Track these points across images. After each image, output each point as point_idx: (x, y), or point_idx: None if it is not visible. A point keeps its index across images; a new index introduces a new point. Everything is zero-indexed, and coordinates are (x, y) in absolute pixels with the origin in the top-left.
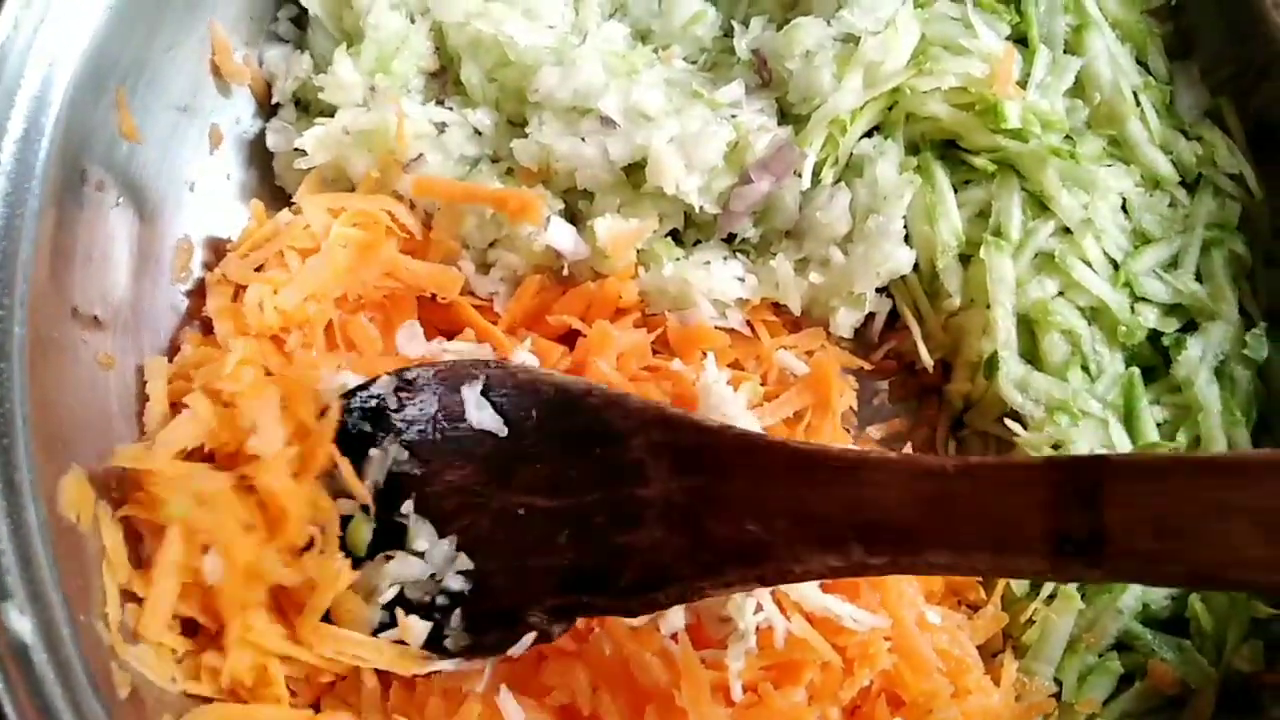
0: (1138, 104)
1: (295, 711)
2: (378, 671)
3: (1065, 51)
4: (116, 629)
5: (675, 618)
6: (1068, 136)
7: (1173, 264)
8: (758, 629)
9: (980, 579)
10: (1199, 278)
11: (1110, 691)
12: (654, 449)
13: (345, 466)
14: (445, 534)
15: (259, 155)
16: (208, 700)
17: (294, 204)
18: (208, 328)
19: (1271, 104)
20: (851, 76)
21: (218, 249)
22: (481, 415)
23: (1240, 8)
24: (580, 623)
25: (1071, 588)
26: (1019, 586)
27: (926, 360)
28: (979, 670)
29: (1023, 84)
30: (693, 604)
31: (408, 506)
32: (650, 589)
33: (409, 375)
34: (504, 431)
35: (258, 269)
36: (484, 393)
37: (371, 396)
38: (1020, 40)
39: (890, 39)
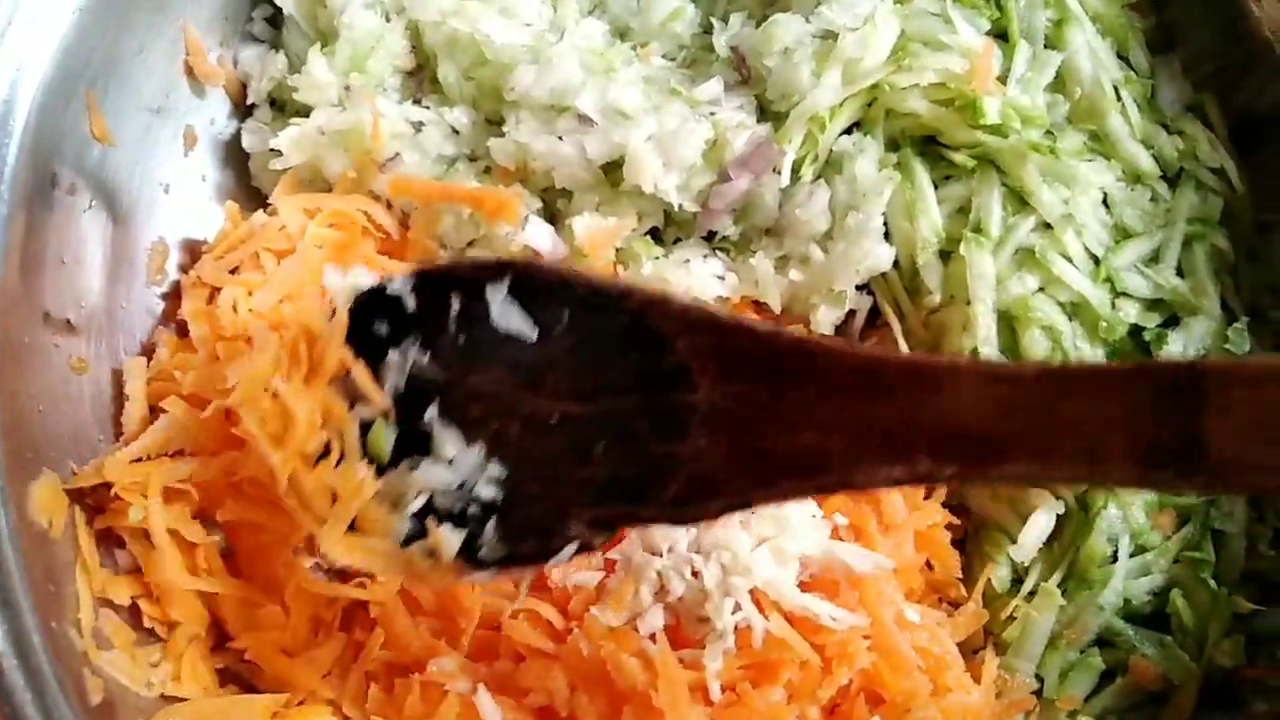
0: (1119, 99)
1: (271, 705)
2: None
3: (1045, 46)
4: (90, 635)
5: (653, 618)
6: (1048, 132)
7: (1154, 259)
8: (736, 628)
9: (960, 576)
10: (1180, 273)
11: (1092, 688)
12: (701, 353)
13: (359, 370)
14: (473, 441)
15: (235, 156)
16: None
17: (269, 205)
18: (184, 330)
19: (1254, 98)
20: (830, 73)
21: (194, 251)
22: (508, 317)
23: (1222, 2)
24: (558, 622)
25: (1051, 584)
26: (999, 583)
27: None
28: (959, 668)
29: (1003, 79)
30: (671, 604)
31: (431, 413)
32: (698, 501)
33: (429, 273)
34: (533, 335)
35: (233, 271)
36: (511, 292)
37: (388, 296)
38: (1000, 35)
39: (869, 35)
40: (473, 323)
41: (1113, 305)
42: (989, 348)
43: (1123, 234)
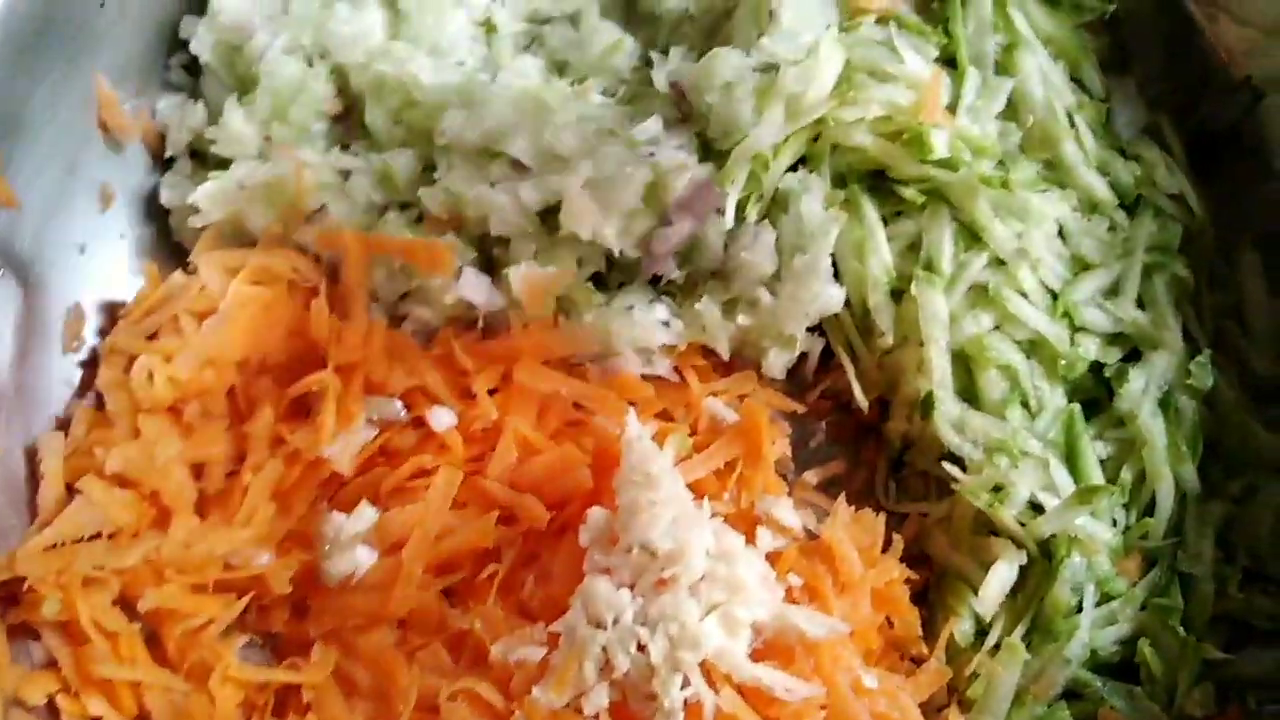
0: (1072, 125)
1: None
2: None
3: (996, 72)
4: None
5: (598, 697)
6: (1000, 163)
7: (1113, 291)
8: (685, 704)
9: (920, 631)
10: (1140, 304)
11: None
12: None
13: None
14: None
15: (155, 211)
16: None
17: (189, 263)
18: (102, 402)
19: (1210, 118)
20: (772, 110)
21: (114, 314)
22: None
23: (1176, 20)
24: (498, 703)
25: (1015, 637)
26: (962, 636)
27: (861, 400)
28: None
29: (952, 108)
30: (617, 680)
31: None
32: None
33: None
34: None
35: (152, 336)
36: None
37: None
38: (949, 62)
39: (811, 68)
40: None
41: (1072, 341)
42: (944, 390)
43: (1080, 265)
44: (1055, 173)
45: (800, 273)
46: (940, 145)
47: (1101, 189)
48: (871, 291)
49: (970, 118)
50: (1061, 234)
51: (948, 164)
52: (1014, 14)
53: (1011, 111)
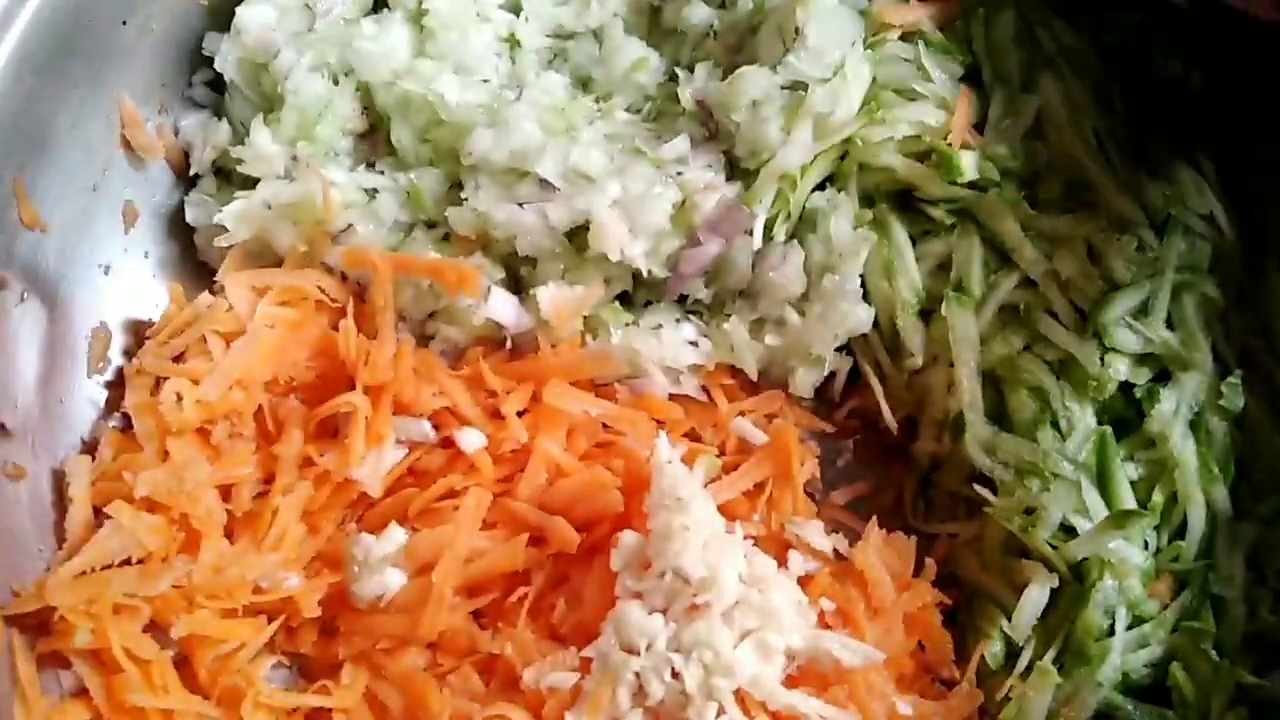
0: (1100, 144)
1: None
2: None
3: (1022, 89)
4: None
5: None
6: (1028, 182)
7: (1143, 310)
8: None
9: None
10: (1170, 324)
11: None
12: None
13: None
14: None
15: (179, 229)
16: None
17: (215, 283)
18: (130, 421)
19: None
20: (800, 129)
21: (139, 332)
22: None
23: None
24: None
25: (1047, 661)
26: (993, 659)
27: (890, 421)
28: None
29: (979, 127)
30: (651, 707)
31: None
32: None
33: None
34: None
35: (178, 357)
36: None
37: None
38: (974, 79)
39: (839, 88)
40: None
41: (1102, 361)
42: (974, 413)
43: (1110, 285)
44: (1083, 192)
45: (829, 293)
46: (969, 167)
47: (1130, 209)
48: (900, 312)
49: (997, 138)
50: (1091, 253)
51: (976, 184)
52: (1039, 31)
53: (1039, 130)
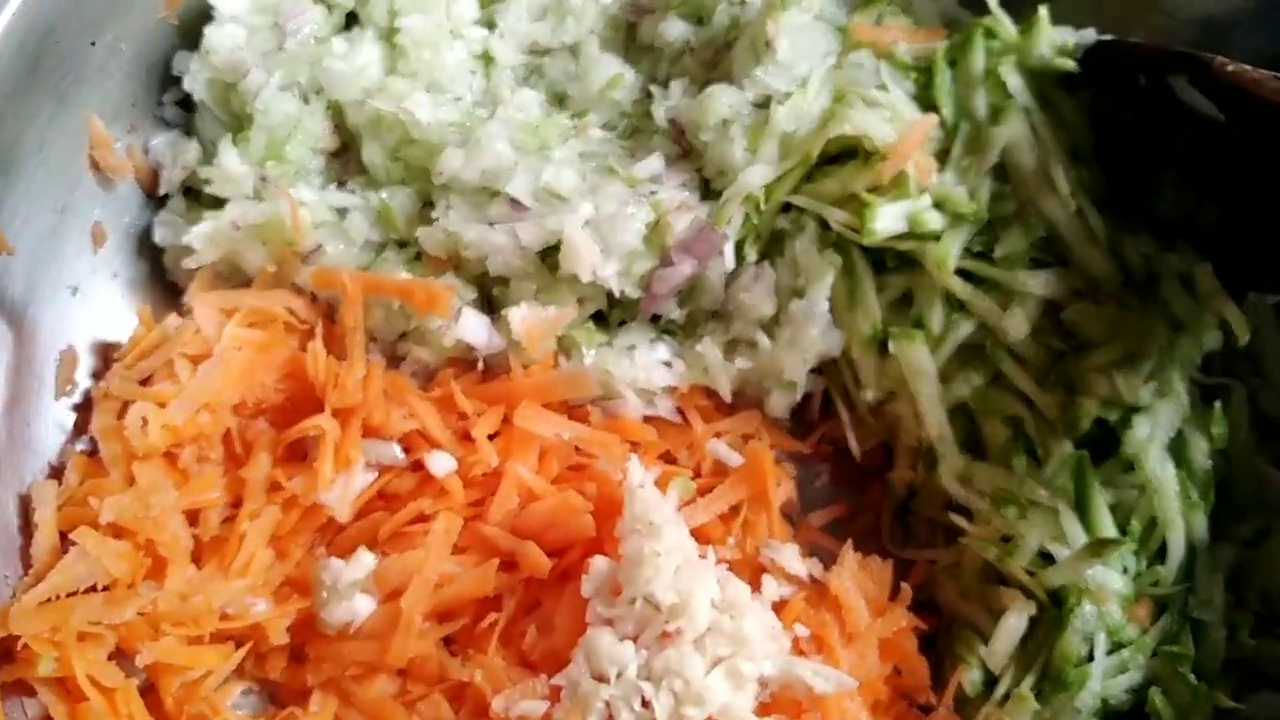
0: (1071, 197)
1: None
2: None
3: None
4: None
5: None
6: (985, 228)
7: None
8: None
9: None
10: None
11: None
12: None
13: None
14: None
15: (148, 249)
16: None
17: (184, 305)
18: (96, 445)
19: None
20: (764, 148)
21: (107, 355)
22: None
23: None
24: None
25: (1025, 688)
26: (971, 686)
27: (855, 450)
28: None
29: (940, 157)
30: None
31: None
32: None
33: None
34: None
35: (146, 380)
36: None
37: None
38: (931, 108)
39: (800, 102)
40: None
41: (1073, 403)
42: (945, 444)
43: (1078, 343)
44: (1055, 246)
45: (797, 317)
46: (882, 230)
47: (1103, 268)
48: (855, 345)
49: (957, 175)
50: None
51: (913, 236)
52: (1004, 73)
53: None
